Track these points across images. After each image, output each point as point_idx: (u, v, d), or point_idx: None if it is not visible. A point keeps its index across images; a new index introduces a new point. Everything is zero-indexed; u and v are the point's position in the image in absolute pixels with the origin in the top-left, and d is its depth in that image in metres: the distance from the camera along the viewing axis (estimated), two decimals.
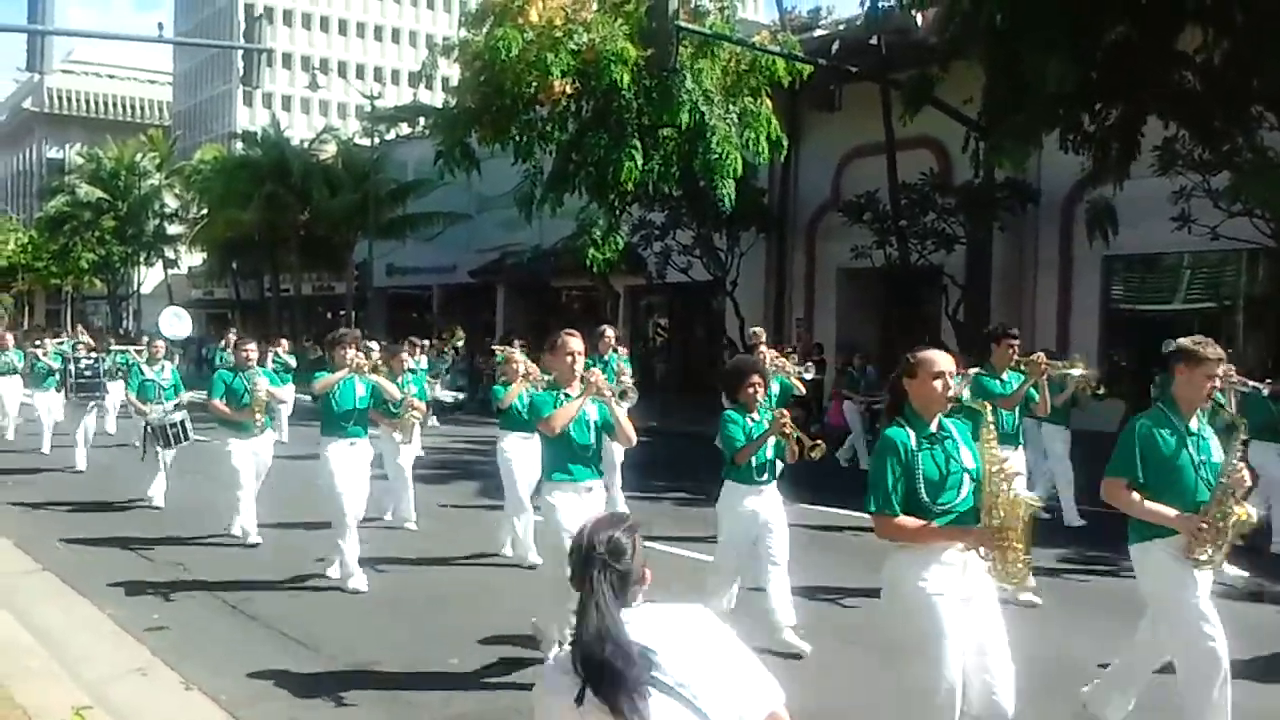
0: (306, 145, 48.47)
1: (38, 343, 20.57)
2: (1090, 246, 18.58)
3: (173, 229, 57.37)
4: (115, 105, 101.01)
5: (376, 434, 10.75)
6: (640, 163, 21.75)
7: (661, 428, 20.12)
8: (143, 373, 14.06)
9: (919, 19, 20.76)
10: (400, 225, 41.72)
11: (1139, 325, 21.69)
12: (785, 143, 23.26)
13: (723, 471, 7.40)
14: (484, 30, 22.50)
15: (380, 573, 9.40)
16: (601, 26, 21.31)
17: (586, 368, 7.60)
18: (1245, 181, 15.26)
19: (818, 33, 25.96)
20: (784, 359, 11.39)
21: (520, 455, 9.85)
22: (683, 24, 20.32)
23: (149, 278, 62.71)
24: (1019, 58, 14.88)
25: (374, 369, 9.67)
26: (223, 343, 23.45)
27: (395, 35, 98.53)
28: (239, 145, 54.13)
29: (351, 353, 9.28)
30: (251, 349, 11.33)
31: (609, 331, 12.26)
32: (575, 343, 7.21)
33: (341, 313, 45.26)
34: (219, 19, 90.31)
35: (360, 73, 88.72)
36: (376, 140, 42.40)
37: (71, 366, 16.89)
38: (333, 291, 48.00)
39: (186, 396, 13.93)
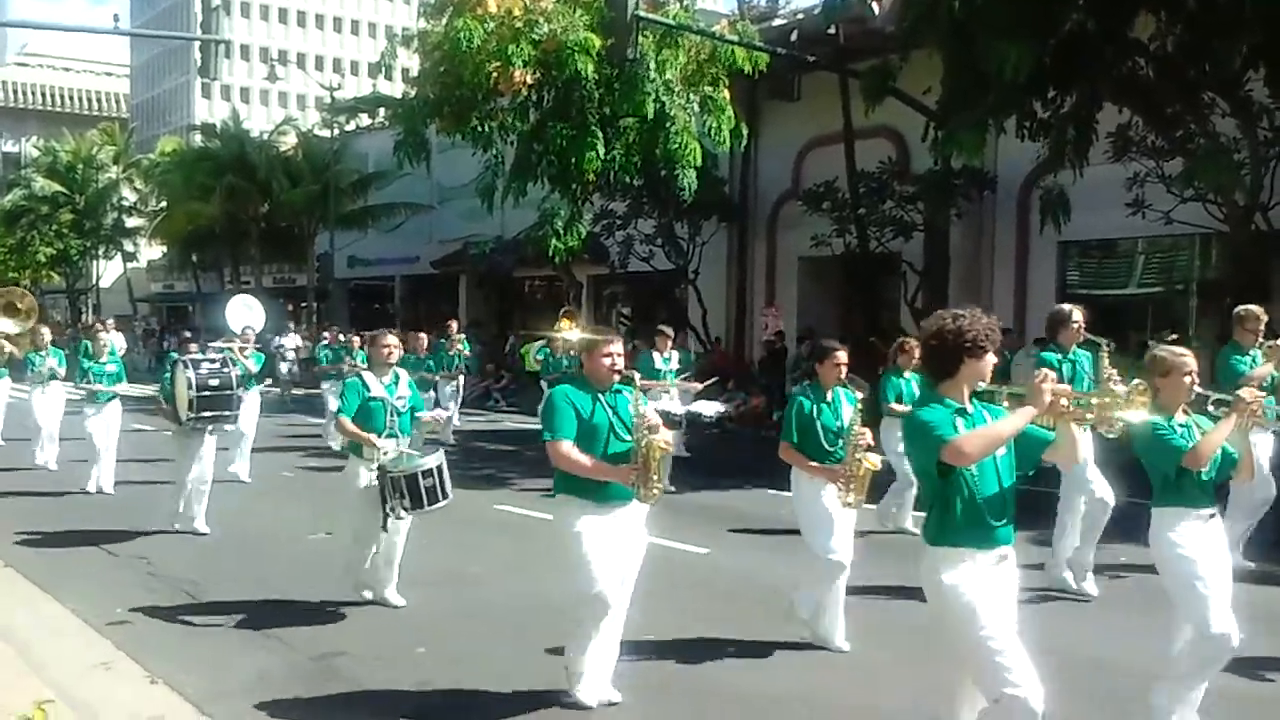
0: (266, 137, 48.09)
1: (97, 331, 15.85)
2: (1041, 233, 18.78)
3: (131, 222, 56.76)
4: (72, 98, 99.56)
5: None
6: (602, 152, 21.74)
7: None
8: (366, 387, 8.31)
9: (875, 8, 20.88)
10: (361, 216, 41.50)
11: (1094, 309, 21.87)
12: (745, 132, 23.32)
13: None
14: (443, 21, 22.41)
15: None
16: (561, 17, 21.30)
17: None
18: (1198, 167, 15.47)
19: (776, 22, 26.00)
20: None
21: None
22: (643, 14, 20.33)
23: (108, 271, 62.05)
24: (976, 46, 15.02)
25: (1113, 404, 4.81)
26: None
27: (355, 26, 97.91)
28: (198, 137, 53.71)
29: (989, 361, 4.57)
30: (617, 352, 6.13)
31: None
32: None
33: (303, 305, 45.02)
34: (176, 11, 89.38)
35: (319, 64, 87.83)
36: (336, 131, 42.17)
37: (190, 374, 10.66)
38: (294, 283, 47.67)
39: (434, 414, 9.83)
